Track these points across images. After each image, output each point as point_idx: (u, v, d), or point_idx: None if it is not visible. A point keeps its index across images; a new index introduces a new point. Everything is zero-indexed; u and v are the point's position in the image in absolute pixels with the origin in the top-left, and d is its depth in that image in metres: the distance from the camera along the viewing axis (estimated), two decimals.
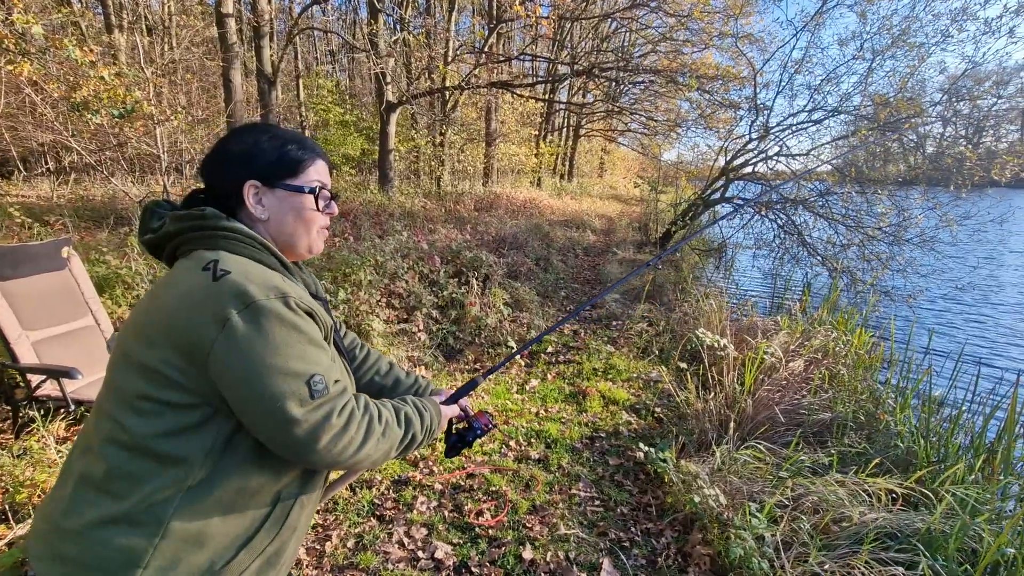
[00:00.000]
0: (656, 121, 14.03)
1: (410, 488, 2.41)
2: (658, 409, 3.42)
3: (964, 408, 3.26)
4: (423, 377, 1.28)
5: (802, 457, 2.51)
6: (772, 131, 7.98)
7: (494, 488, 2.45)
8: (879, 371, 4.02)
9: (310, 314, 0.82)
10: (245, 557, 0.81)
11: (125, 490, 0.74)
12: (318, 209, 0.94)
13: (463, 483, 2.48)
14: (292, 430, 0.75)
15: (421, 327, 4.03)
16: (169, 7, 11.91)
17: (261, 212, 0.90)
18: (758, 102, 7.95)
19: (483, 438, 1.23)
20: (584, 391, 3.60)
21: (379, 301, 4.12)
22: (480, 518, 2.25)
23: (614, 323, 5.13)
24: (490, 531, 2.19)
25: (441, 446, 2.77)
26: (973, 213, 6.96)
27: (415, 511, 2.26)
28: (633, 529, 2.30)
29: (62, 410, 2.48)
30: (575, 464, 2.73)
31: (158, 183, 6.38)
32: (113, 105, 4.22)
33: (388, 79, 9.67)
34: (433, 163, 13.29)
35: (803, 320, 4.79)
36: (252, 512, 0.81)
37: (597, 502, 2.46)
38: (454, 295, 4.46)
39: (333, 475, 1.17)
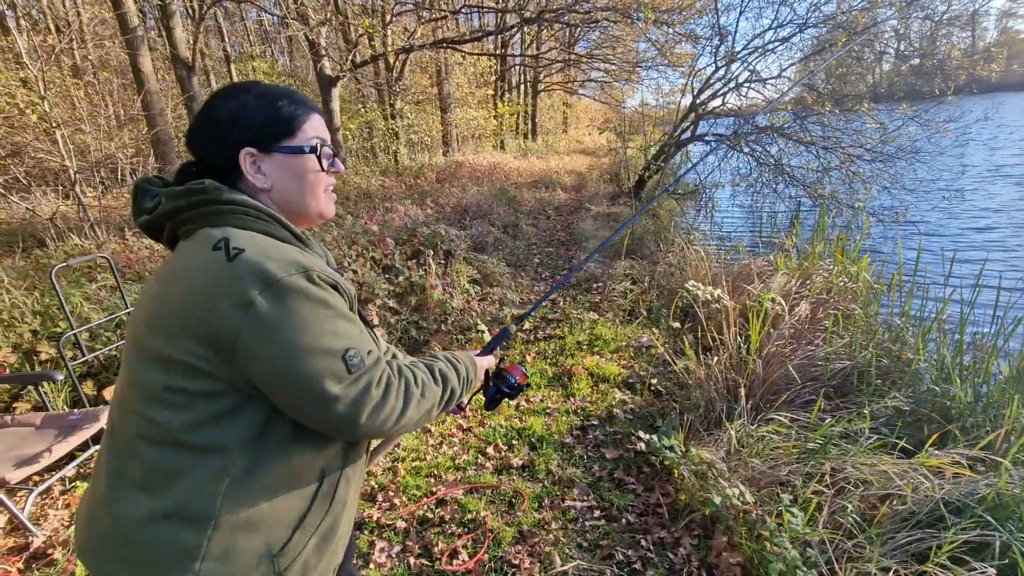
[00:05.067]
0: (615, 66, 13.32)
1: (366, 532, 1.95)
2: (654, 380, 3.00)
3: (985, 332, 2.88)
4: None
5: (832, 426, 2.10)
6: (738, 56, 7.42)
7: (470, 515, 2.00)
8: (879, 303, 3.63)
9: (335, 286, 0.76)
10: (300, 537, 0.78)
11: (166, 485, 0.71)
12: (322, 169, 0.86)
13: (432, 514, 2.02)
14: (333, 408, 0.72)
15: (377, 322, 3.52)
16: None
17: (262, 181, 0.82)
18: (720, 28, 7.36)
19: (514, 399, 1.17)
20: (569, 371, 3.16)
21: None
22: (454, 560, 1.81)
23: (595, 286, 4.67)
24: None
25: (412, 478, 2.32)
26: (956, 116, 6.58)
27: (372, 564, 1.81)
28: (644, 543, 1.88)
29: None
30: (566, 465, 2.30)
31: (68, 197, 5.63)
32: None
33: (323, 49, 8.79)
34: (387, 138, 12.46)
35: (796, 256, 4.40)
36: (300, 491, 0.78)
37: (597, 512, 2.04)
38: (412, 279, 3.94)
39: (374, 443, 1.12)
